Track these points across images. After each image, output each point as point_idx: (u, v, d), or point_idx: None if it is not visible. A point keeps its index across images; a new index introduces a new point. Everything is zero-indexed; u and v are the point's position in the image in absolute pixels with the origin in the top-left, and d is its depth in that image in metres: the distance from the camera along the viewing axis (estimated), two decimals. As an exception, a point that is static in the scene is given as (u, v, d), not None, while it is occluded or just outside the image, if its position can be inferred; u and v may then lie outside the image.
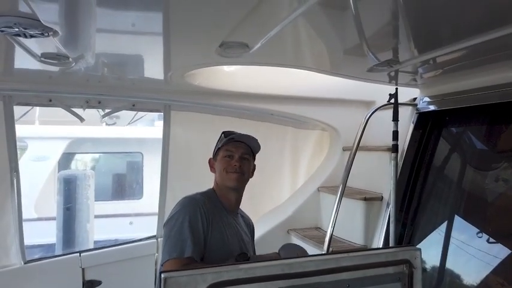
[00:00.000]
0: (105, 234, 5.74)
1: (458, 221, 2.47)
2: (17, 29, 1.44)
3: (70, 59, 2.00)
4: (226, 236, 1.76)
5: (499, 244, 2.18)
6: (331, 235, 2.37)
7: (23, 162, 6.58)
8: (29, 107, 6.59)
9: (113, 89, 2.86)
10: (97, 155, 8.06)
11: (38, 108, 6.59)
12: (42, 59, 1.97)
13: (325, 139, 3.60)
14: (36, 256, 3.14)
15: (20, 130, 6.59)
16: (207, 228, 1.69)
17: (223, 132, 1.87)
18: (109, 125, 7.14)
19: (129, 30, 1.68)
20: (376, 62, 2.01)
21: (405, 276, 1.27)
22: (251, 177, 1.91)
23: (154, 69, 2.39)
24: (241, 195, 1.91)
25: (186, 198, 1.78)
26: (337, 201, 2.42)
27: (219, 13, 1.41)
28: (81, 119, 2.90)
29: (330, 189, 3.13)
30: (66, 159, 7.03)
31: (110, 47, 1.93)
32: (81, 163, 7.92)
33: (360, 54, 1.96)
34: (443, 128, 2.59)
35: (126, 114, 7.77)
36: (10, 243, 2.93)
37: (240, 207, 1.99)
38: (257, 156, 3.42)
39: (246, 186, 3.36)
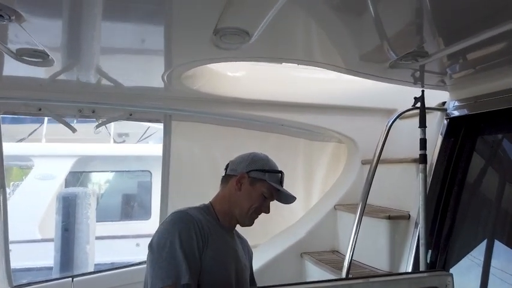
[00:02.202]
0: (109, 256, 5.50)
1: (499, 244, 2.12)
2: (-31, 9, 1.21)
3: (50, 57, 1.79)
4: (223, 254, 1.53)
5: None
6: (351, 259, 2.05)
7: (29, 181, 6.48)
8: (36, 125, 6.58)
9: (108, 97, 2.64)
10: (110, 175, 7.94)
11: (45, 125, 6.54)
12: (18, 56, 1.77)
13: (341, 152, 3.30)
14: (25, 281, 2.88)
15: (27, 148, 6.56)
16: (202, 247, 1.46)
17: (281, 173, 1.65)
18: (117, 142, 7.03)
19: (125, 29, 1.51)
20: (399, 55, 1.74)
21: (435, 307, 1.05)
22: None
23: (151, 69, 2.17)
24: None
25: (176, 213, 1.53)
26: (356, 221, 2.11)
27: None
28: (73, 130, 2.68)
29: (348, 207, 2.81)
30: (73, 177, 6.89)
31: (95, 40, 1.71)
32: (95, 183, 7.80)
33: (380, 47, 1.70)
34: (478, 135, 2.27)
35: (135, 132, 7.72)
36: (-4, 266, 2.67)
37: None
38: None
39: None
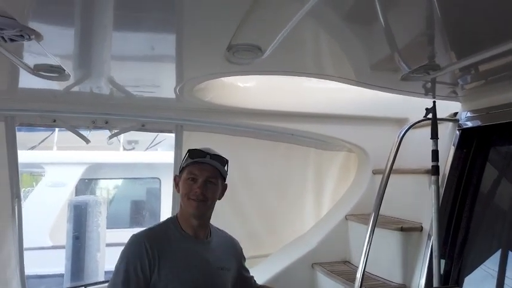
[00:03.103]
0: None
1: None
2: (-9, 30, 1.24)
3: (66, 72, 1.82)
4: (181, 267, 1.58)
5: None
6: (363, 271, 2.03)
7: (40, 189, 6.53)
8: (48, 133, 6.64)
9: (121, 108, 2.68)
10: (119, 182, 7.96)
11: (56, 133, 6.60)
12: (35, 71, 1.80)
13: (352, 161, 3.29)
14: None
15: (38, 156, 6.61)
16: (151, 269, 1.54)
17: (189, 150, 1.71)
18: (127, 149, 7.07)
19: (141, 46, 1.57)
20: (411, 68, 1.74)
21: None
22: (219, 199, 1.74)
23: (163, 82, 2.20)
24: (207, 220, 1.74)
25: (131, 237, 1.63)
26: (369, 232, 2.09)
27: (222, 10, 1.22)
28: (87, 141, 2.71)
29: (359, 218, 2.78)
30: (83, 185, 6.93)
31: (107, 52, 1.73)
32: (105, 190, 7.83)
33: (392, 60, 1.70)
34: (491, 146, 2.25)
35: (144, 139, 7.76)
36: (11, 275, 2.70)
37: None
38: (277, 180, 3.18)
39: (265, 213, 3.14)
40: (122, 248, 1.62)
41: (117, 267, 1.57)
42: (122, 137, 7.01)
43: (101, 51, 1.68)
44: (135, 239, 1.60)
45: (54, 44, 1.48)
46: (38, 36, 1.35)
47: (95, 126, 2.69)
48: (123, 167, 7.05)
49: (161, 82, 2.19)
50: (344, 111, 2.90)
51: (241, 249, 1.86)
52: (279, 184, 3.18)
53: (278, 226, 3.20)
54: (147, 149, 7.57)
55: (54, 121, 2.62)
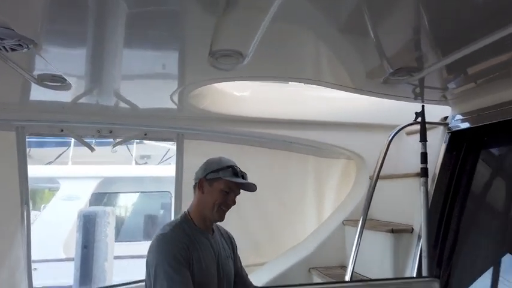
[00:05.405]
0: (130, 275, 5.55)
1: (507, 257, 2.09)
2: (-8, 40, 1.38)
3: (67, 81, 1.95)
4: (204, 260, 1.68)
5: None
6: (352, 272, 2.06)
7: (54, 202, 6.73)
8: (63, 148, 6.87)
9: (124, 118, 2.80)
10: (132, 196, 8.11)
11: (71, 148, 6.84)
12: (40, 81, 1.94)
13: (351, 168, 3.32)
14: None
15: (54, 170, 6.83)
16: (189, 263, 1.63)
17: (232, 167, 1.77)
18: (139, 164, 7.23)
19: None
20: (392, 70, 1.80)
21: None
22: None
23: (158, 91, 2.30)
24: None
25: (160, 238, 1.67)
26: (357, 234, 2.14)
27: (196, 17, 1.33)
28: (92, 149, 2.84)
29: (356, 223, 2.74)
30: (96, 198, 7.09)
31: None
32: (117, 203, 7.98)
33: (375, 63, 1.76)
34: (481, 148, 2.27)
35: (156, 154, 7.94)
36: (19, 279, 2.82)
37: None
38: (277, 188, 3.23)
39: (265, 222, 3.20)
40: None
41: (163, 262, 1.57)
42: (134, 151, 7.21)
43: (100, 61, 1.81)
44: (168, 242, 1.64)
45: (52, 53, 1.61)
46: (36, 46, 1.48)
47: (100, 135, 2.81)
48: (135, 181, 7.21)
49: (157, 91, 2.30)
50: (341, 118, 2.96)
51: (234, 239, 1.96)
52: (279, 192, 3.23)
53: (279, 234, 3.24)
54: (159, 163, 7.73)
55: (62, 131, 2.76)
